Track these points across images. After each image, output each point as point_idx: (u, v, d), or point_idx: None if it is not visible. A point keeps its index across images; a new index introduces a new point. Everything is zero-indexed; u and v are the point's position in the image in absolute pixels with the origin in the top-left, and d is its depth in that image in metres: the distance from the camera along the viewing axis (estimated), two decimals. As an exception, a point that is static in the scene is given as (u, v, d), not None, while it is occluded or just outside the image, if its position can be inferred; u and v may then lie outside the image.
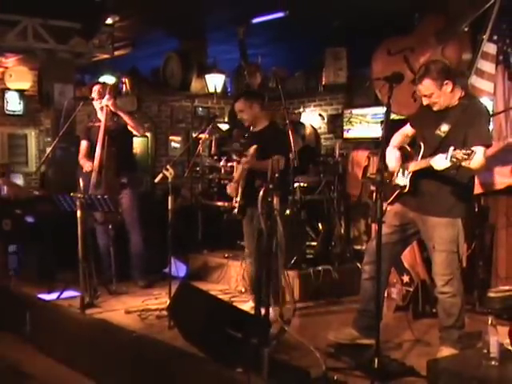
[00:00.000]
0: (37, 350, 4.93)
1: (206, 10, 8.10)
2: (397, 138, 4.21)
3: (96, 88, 5.98)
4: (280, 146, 4.97)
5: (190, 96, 9.19)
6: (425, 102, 3.94)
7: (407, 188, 3.96)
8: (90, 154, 5.96)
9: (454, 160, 3.47)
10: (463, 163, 3.46)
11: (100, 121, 5.91)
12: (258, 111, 5.17)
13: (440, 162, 3.59)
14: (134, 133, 6.03)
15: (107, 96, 5.84)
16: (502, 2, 5.26)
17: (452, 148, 3.49)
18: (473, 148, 3.50)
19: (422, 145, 3.94)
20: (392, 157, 4.08)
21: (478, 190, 4.76)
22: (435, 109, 3.92)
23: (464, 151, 3.44)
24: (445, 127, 3.82)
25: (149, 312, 5.17)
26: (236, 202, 5.08)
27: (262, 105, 5.30)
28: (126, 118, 5.90)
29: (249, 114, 5.15)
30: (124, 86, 9.02)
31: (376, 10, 7.23)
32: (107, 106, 5.85)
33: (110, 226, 5.89)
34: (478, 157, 3.60)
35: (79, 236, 5.16)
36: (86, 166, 5.92)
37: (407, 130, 4.22)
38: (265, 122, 5.21)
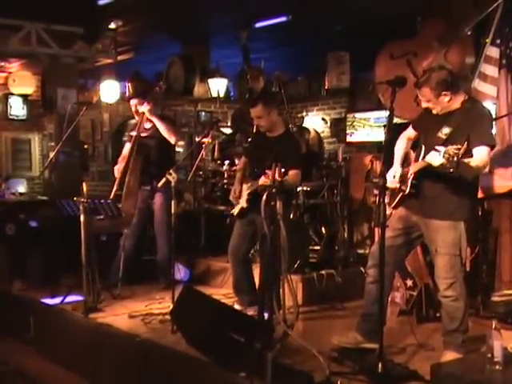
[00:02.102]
0: (40, 354, 4.94)
1: (208, 15, 8.13)
2: (401, 144, 4.21)
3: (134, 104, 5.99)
4: (297, 160, 4.87)
5: (192, 100, 9.19)
6: (424, 104, 3.98)
7: (408, 190, 3.97)
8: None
9: (447, 156, 3.46)
10: (455, 158, 3.43)
11: (144, 130, 5.96)
12: (275, 117, 5.00)
13: (434, 158, 3.59)
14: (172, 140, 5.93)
15: (145, 103, 5.85)
16: (505, 6, 5.25)
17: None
18: (475, 148, 3.51)
19: (423, 147, 3.96)
20: (392, 175, 4.06)
21: (479, 194, 4.75)
22: (434, 112, 3.96)
23: (455, 146, 3.45)
24: (446, 130, 3.84)
25: (152, 316, 5.15)
26: (238, 203, 5.07)
27: (279, 109, 5.13)
28: (158, 124, 5.88)
29: (267, 121, 4.93)
30: (128, 90, 9.04)
31: (378, 14, 7.25)
32: (143, 113, 5.86)
33: (126, 230, 5.94)
34: (481, 156, 3.62)
35: (83, 240, 5.17)
36: (115, 168, 6.03)
37: (409, 132, 4.24)
38: (281, 128, 5.05)
